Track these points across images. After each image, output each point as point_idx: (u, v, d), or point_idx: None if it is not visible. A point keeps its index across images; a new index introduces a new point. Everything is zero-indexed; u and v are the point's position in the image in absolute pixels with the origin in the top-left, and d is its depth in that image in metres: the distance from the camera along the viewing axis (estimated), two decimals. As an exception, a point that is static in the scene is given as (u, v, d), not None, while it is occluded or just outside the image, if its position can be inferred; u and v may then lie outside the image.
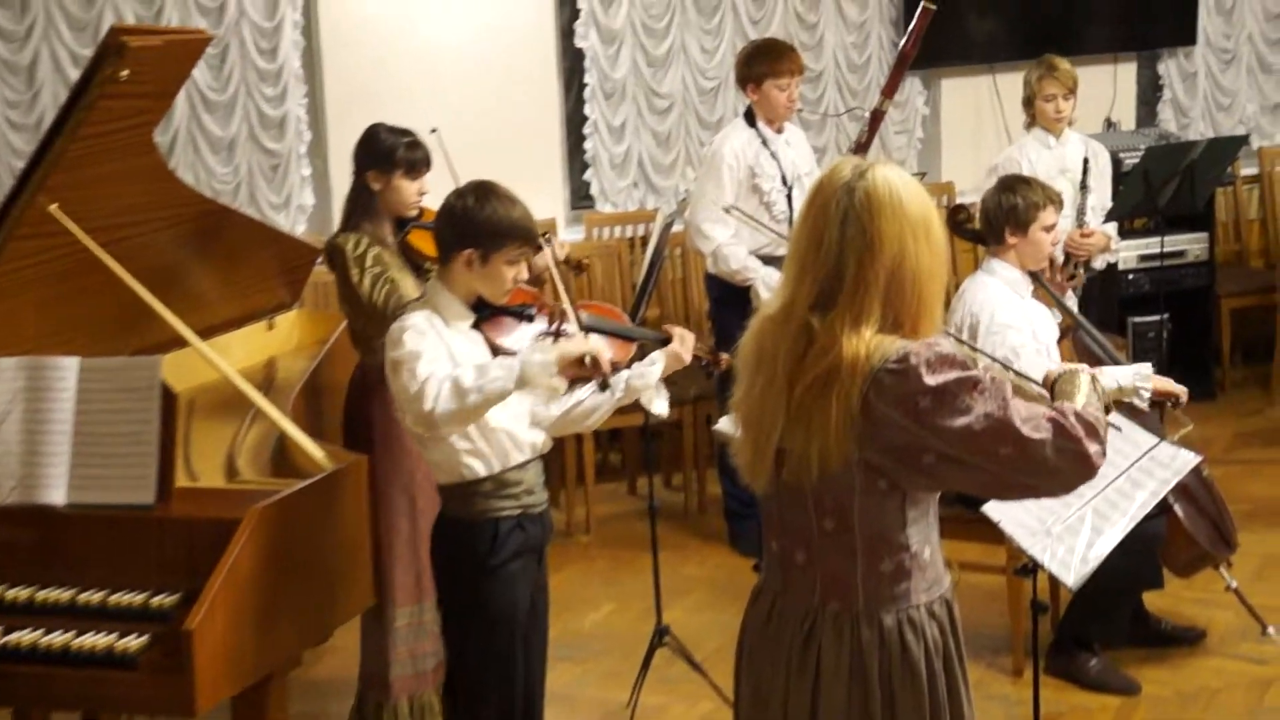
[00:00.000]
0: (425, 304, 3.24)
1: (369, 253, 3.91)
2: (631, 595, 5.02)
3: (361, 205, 4.00)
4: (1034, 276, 4.34)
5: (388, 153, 3.95)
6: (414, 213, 4.02)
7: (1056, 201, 4.29)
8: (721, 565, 5.37)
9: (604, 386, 3.21)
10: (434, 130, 4.18)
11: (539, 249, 3.33)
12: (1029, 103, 5.58)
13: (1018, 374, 3.61)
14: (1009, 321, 4.16)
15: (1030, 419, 2.22)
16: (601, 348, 3.13)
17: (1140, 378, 3.93)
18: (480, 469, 3.21)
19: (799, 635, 2.37)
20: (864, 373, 2.22)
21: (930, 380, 2.20)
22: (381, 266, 3.89)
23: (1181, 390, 4.02)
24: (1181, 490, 4.26)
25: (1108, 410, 2.38)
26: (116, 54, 3.30)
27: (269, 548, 3.11)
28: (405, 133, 4.02)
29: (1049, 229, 4.25)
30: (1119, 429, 3.31)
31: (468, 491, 3.22)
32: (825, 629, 2.35)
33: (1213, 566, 4.44)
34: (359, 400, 4.05)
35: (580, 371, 3.14)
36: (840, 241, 2.26)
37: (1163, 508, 4.10)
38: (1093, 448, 2.23)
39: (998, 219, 4.25)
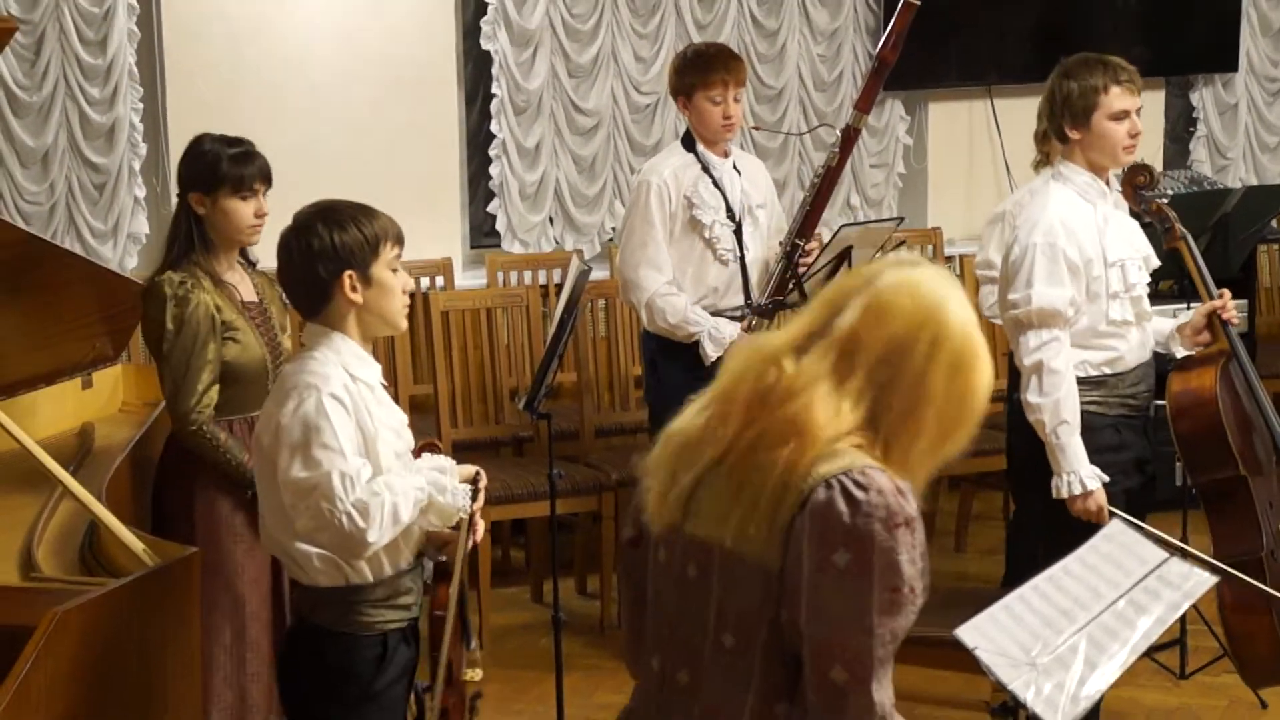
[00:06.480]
0: (319, 347, 3.29)
1: (196, 298, 3.92)
2: (530, 728, 5.04)
3: (187, 234, 4.01)
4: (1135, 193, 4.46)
5: (211, 167, 3.98)
6: (252, 241, 4.07)
7: (1128, 83, 4.28)
8: (643, 694, 5.38)
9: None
10: None
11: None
12: (1045, 138, 5.61)
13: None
14: (1072, 260, 4.19)
15: (885, 685, 2.22)
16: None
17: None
18: (368, 572, 3.27)
19: None
20: (813, 465, 2.21)
21: (876, 538, 2.18)
22: (206, 328, 3.90)
23: None
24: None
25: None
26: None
27: (72, 661, 3.10)
28: (236, 141, 4.04)
29: (1118, 117, 4.26)
30: (1120, 540, 3.39)
31: (351, 599, 3.27)
32: None
33: None
34: (174, 481, 4.07)
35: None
36: (854, 318, 2.29)
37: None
38: None
39: (1055, 111, 4.33)
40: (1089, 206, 4.29)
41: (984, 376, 2.31)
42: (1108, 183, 4.36)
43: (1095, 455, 4.19)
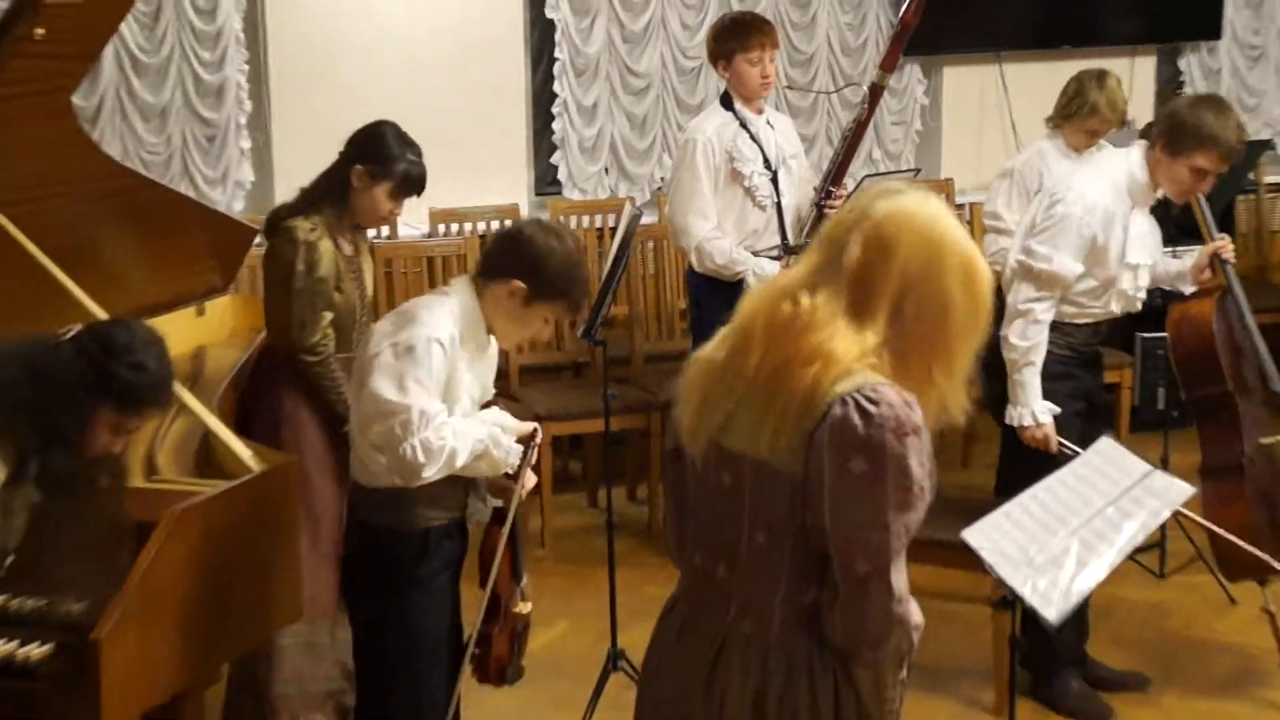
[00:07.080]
0: (454, 299, 3.33)
1: (322, 247, 3.94)
2: (587, 615, 5.08)
3: (332, 192, 4.00)
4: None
5: (387, 160, 3.95)
6: (375, 228, 4.06)
7: (1226, 153, 4.16)
8: (684, 588, 5.43)
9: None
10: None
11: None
12: (1067, 117, 5.40)
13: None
14: (1099, 246, 4.17)
15: (901, 571, 2.24)
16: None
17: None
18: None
19: (707, 656, 2.36)
20: (832, 385, 2.21)
21: (888, 446, 2.18)
22: (329, 274, 3.93)
23: None
24: (1262, 494, 4.43)
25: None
26: (31, 10, 3.32)
27: (188, 554, 3.15)
28: (414, 147, 4.01)
29: (1199, 172, 4.17)
30: (1109, 455, 3.41)
31: (397, 498, 3.32)
32: (734, 654, 2.34)
33: (1259, 581, 4.49)
34: (265, 390, 4.07)
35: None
36: (860, 252, 2.26)
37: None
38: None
39: (1163, 123, 4.20)
40: (1128, 204, 4.24)
41: (989, 276, 2.31)
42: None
43: (1044, 382, 4.24)
